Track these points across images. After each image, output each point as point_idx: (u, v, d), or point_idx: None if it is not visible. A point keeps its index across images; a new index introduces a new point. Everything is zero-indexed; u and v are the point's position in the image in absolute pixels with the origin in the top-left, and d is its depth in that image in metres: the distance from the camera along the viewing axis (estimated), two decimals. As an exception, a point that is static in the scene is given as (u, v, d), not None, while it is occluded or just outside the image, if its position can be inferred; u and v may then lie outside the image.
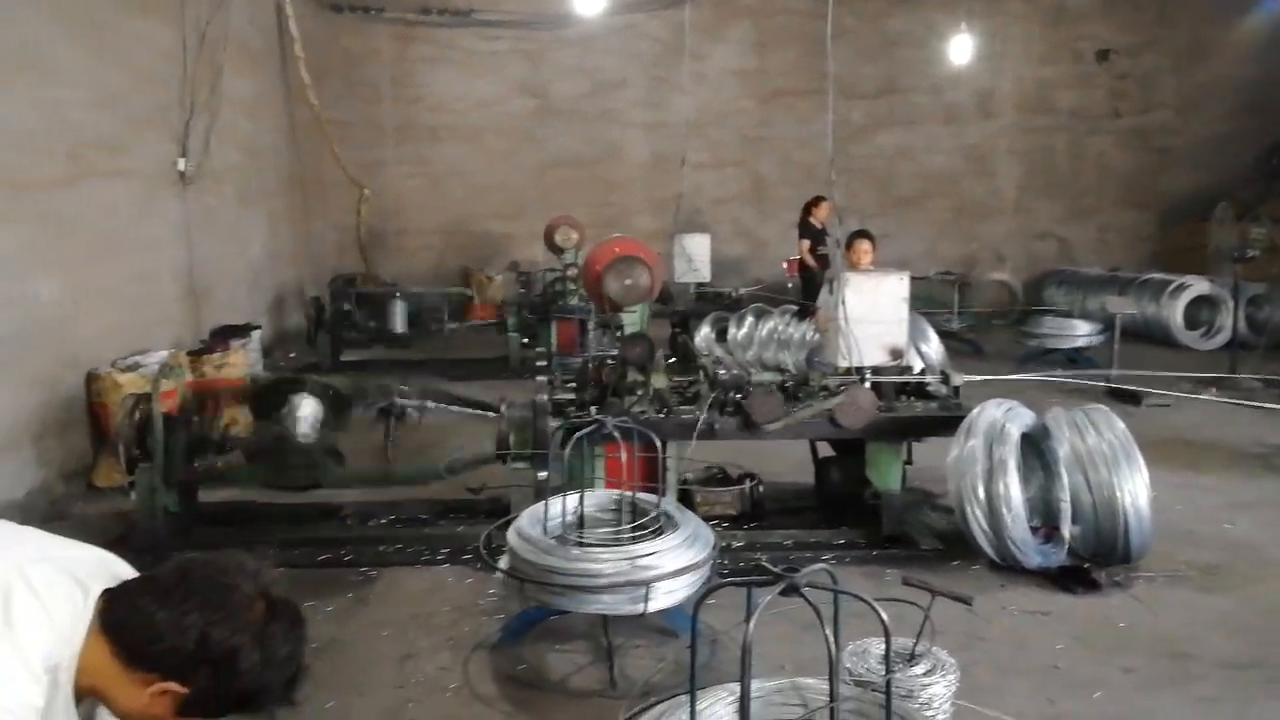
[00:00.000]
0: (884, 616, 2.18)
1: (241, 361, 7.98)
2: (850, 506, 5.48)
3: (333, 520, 5.58)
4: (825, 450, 5.81)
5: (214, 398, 5.81)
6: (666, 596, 3.54)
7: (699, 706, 2.47)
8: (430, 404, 5.37)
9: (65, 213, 6.38)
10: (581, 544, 3.65)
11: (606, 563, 3.51)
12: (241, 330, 8.66)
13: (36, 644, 1.60)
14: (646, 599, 3.46)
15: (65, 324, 6.28)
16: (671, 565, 3.53)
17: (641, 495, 4.07)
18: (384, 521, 5.55)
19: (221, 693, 1.70)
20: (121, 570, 1.84)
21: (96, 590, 1.71)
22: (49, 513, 5.74)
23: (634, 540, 3.66)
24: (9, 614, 1.60)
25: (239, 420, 7.03)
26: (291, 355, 10.69)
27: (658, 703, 2.67)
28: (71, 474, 6.18)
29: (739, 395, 5.10)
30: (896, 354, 5.17)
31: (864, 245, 7.58)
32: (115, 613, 1.69)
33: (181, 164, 8.39)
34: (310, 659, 3.90)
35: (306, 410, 5.23)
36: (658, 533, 3.74)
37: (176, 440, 5.05)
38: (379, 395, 5.42)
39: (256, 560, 1.80)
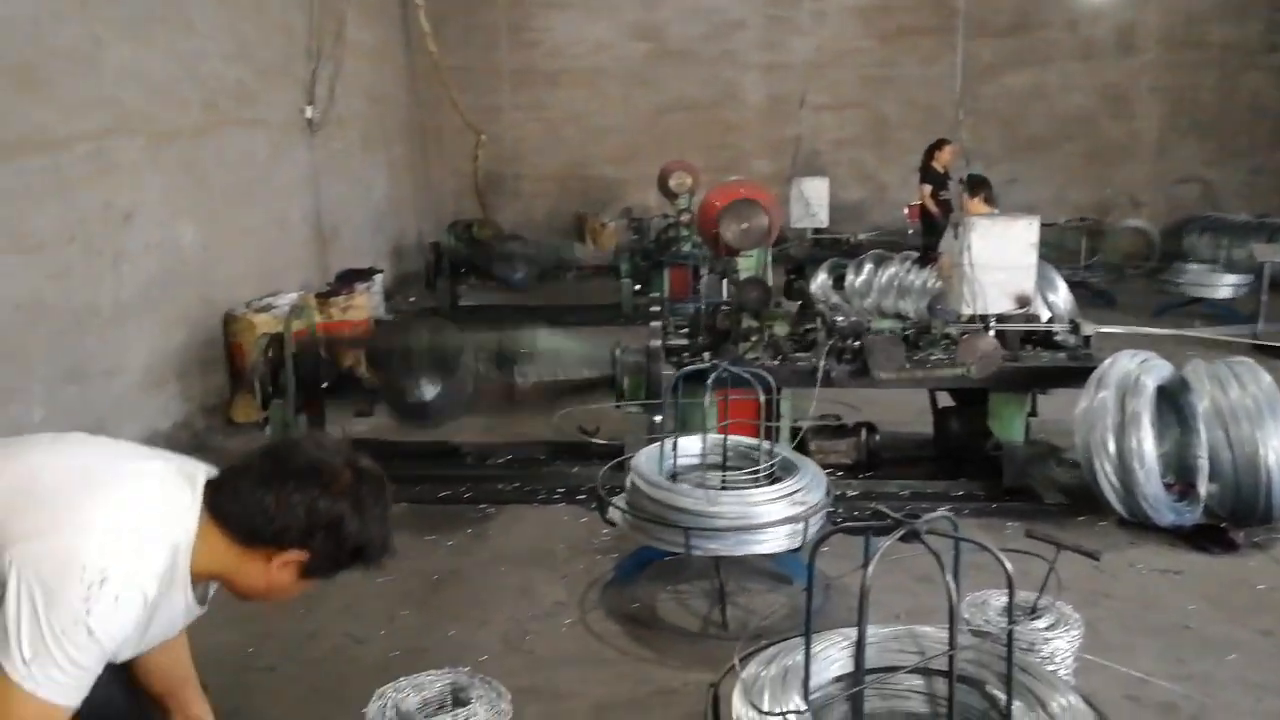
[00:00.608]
0: (1008, 565, 2.12)
1: (365, 304, 8.25)
2: (970, 458, 5.35)
3: (452, 459, 5.76)
4: (945, 400, 5.67)
5: (337, 340, 6.02)
6: (789, 539, 3.54)
7: (814, 649, 2.46)
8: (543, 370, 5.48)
9: (202, 160, 6.67)
10: (726, 486, 3.70)
11: (749, 505, 3.53)
12: (365, 274, 8.93)
13: (156, 524, 1.81)
14: (805, 533, 3.49)
15: (204, 267, 6.59)
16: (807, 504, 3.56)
17: (755, 441, 4.06)
18: (501, 461, 5.70)
19: (335, 553, 1.90)
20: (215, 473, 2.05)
21: (201, 482, 1.91)
22: (191, 445, 6.08)
23: (752, 484, 3.67)
24: (138, 499, 1.82)
25: (360, 361, 7.29)
26: (411, 299, 10.98)
27: (772, 643, 2.68)
28: (211, 409, 6.54)
29: (857, 342, 5.01)
30: (1023, 301, 4.96)
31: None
32: (222, 502, 1.88)
33: (309, 112, 8.64)
34: (431, 590, 4.07)
35: (429, 392, 5.37)
36: (774, 478, 3.74)
37: (306, 376, 5.26)
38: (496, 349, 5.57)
39: (334, 437, 2.06)
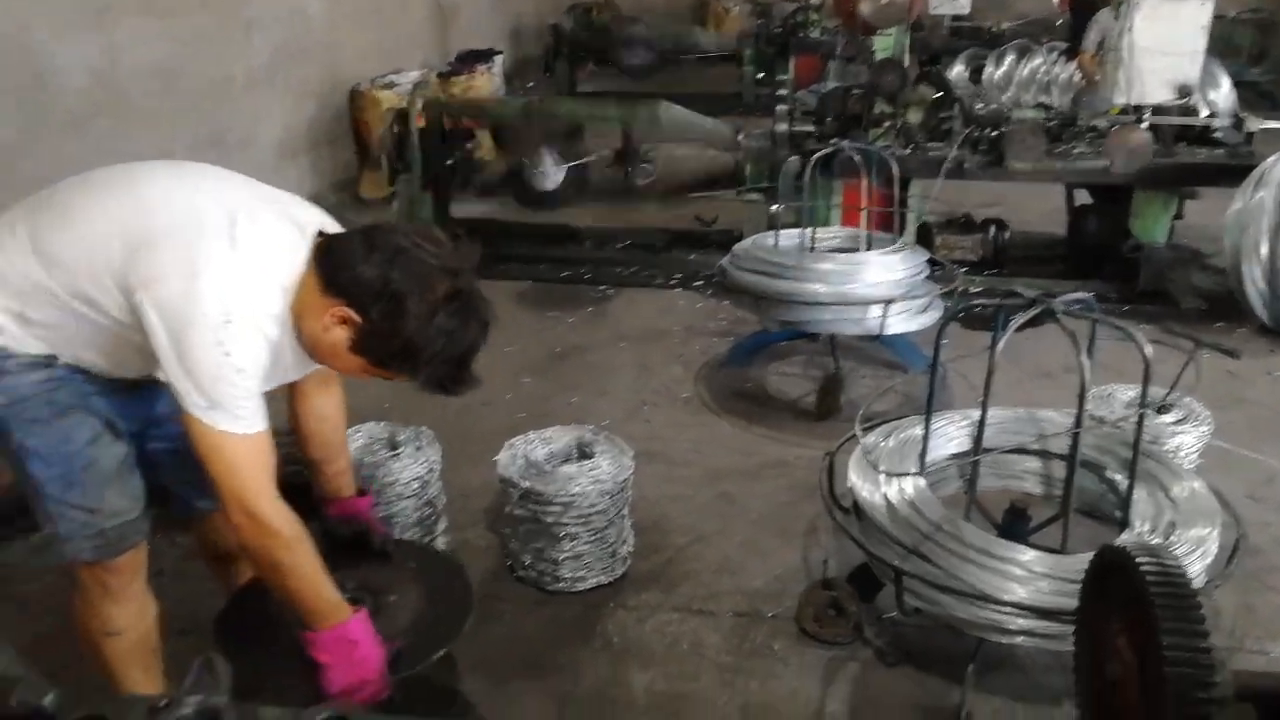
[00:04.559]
0: (1146, 347, 2.07)
1: (486, 86, 8.18)
2: (1105, 259, 5.13)
3: (573, 241, 5.83)
4: (1084, 199, 5.40)
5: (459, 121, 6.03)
6: (902, 321, 3.53)
7: (932, 427, 2.49)
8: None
9: (326, -75, 6.54)
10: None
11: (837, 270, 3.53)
12: (485, 55, 8.79)
13: (269, 267, 1.77)
14: (885, 312, 3.47)
15: (330, 40, 6.58)
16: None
17: (878, 233, 3.99)
18: (620, 246, 5.75)
19: (385, 335, 1.78)
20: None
21: (311, 232, 1.85)
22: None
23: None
24: (251, 242, 1.76)
25: (484, 144, 7.32)
26: (530, 85, 10.81)
27: (891, 419, 2.72)
28: (340, 185, 6.71)
29: (995, 132, 4.76)
30: (1185, 92, 4.58)
31: None
32: (325, 247, 1.82)
33: (429, -124, 8.31)
34: (553, 361, 4.21)
35: (549, 166, 5.44)
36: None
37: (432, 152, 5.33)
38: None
39: (464, 253, 1.83)
